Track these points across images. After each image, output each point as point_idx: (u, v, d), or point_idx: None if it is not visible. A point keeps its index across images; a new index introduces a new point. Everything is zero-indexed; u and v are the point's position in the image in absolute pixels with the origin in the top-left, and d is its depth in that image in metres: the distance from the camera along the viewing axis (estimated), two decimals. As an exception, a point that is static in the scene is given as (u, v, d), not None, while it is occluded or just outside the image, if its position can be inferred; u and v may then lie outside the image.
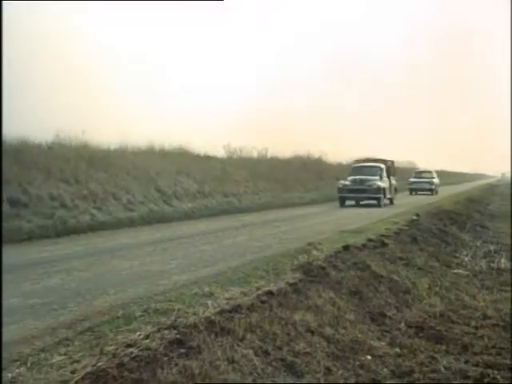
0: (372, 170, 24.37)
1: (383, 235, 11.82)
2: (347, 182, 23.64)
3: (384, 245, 10.58)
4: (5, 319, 5.32)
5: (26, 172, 13.82)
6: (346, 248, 9.57)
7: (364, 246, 10.17)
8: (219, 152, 27.32)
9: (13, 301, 6.09)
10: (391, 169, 26.30)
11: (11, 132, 15.12)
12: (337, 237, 11.68)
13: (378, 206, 22.84)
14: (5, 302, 6.02)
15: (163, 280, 7.17)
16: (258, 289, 6.45)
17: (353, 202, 24.23)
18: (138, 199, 16.25)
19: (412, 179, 37.00)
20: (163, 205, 17.10)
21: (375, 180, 23.34)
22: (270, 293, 6.24)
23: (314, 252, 9.18)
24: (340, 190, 23.60)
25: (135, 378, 3.82)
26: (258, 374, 4.28)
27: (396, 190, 26.68)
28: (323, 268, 7.81)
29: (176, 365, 4.10)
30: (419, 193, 35.29)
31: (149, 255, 9.32)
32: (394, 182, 26.11)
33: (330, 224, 14.86)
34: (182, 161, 21.38)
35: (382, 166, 24.93)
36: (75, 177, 15.12)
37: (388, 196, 24.49)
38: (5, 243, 10.40)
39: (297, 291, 6.55)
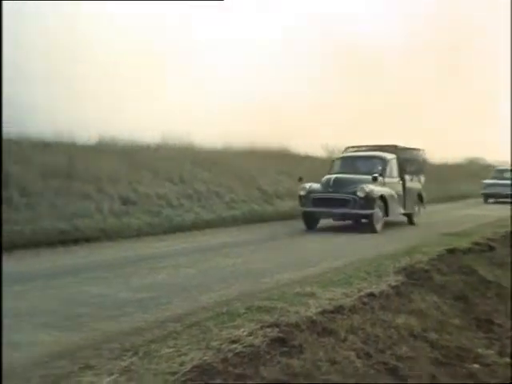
0: (368, 163, 14.34)
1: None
2: (315, 186, 13.64)
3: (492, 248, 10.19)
4: (116, 312, 5.62)
5: (136, 171, 14.51)
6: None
7: (469, 249, 9.88)
8: (319, 152, 27.17)
9: (122, 295, 6.40)
10: (408, 163, 15.07)
11: (122, 134, 16.04)
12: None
13: (372, 230, 12.78)
14: (114, 296, 6.36)
15: (265, 278, 7.28)
16: (359, 290, 6.41)
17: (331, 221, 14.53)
18: (240, 198, 16.55)
19: (487, 181, 26.15)
20: (264, 204, 17.29)
21: (365, 182, 13.07)
22: (371, 295, 6.19)
23: (417, 255, 8.99)
24: (303, 199, 13.62)
25: (238, 374, 3.91)
26: (360, 376, 4.26)
27: (422, 199, 15.74)
28: (426, 271, 7.64)
29: (278, 363, 4.17)
30: (500, 200, 24.57)
31: (251, 253, 9.48)
32: (417, 184, 15.53)
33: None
34: (282, 161, 21.51)
35: (389, 156, 14.35)
36: (180, 176, 15.70)
37: (400, 211, 14.27)
38: (117, 239, 10.99)
39: (399, 294, 6.44)
